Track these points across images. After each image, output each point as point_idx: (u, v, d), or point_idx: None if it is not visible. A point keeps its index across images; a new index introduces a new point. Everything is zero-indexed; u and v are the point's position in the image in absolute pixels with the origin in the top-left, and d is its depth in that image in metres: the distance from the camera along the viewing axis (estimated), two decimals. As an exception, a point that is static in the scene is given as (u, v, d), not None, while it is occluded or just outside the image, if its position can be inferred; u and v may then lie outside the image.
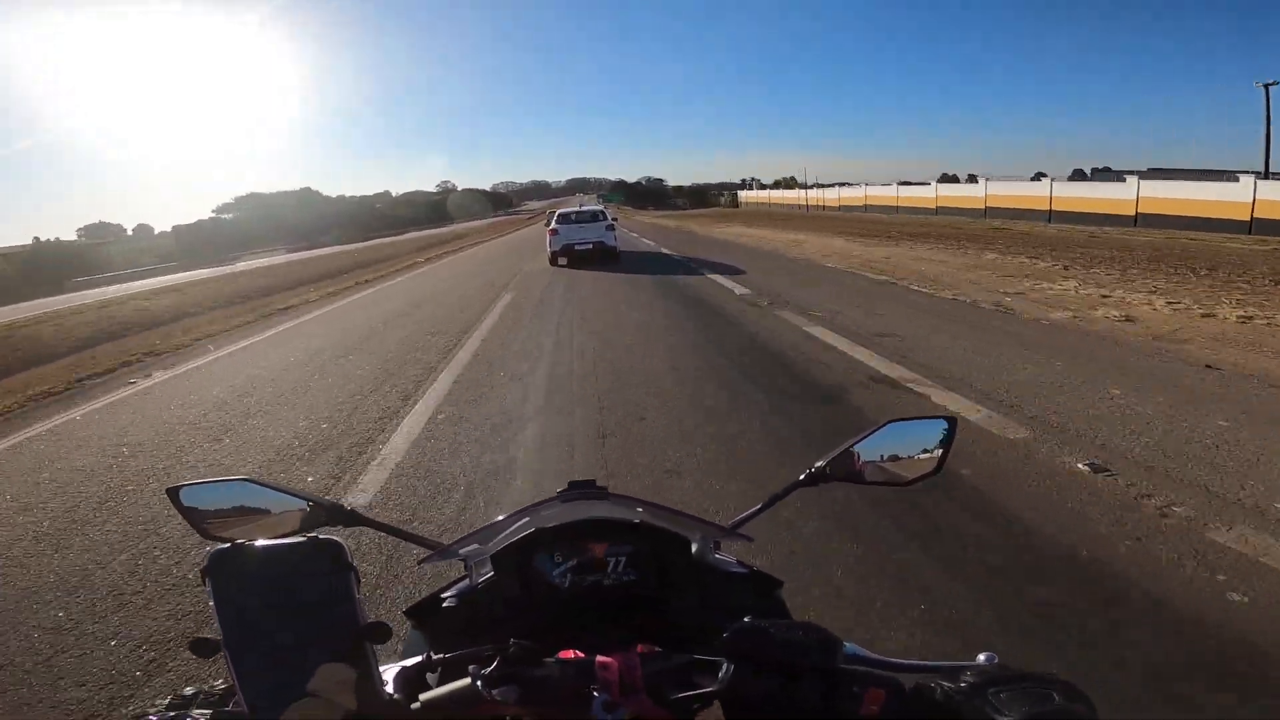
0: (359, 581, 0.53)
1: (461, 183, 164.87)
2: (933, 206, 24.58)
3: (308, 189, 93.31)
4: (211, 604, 0.50)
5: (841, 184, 33.72)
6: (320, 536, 0.54)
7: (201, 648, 0.50)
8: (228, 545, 0.54)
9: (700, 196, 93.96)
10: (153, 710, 0.55)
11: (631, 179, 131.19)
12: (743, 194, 54.74)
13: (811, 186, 40.52)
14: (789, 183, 56.47)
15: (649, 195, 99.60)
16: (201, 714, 0.54)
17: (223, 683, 0.56)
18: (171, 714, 0.54)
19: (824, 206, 32.55)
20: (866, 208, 28.51)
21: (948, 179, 36.30)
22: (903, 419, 0.86)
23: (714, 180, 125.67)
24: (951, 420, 0.86)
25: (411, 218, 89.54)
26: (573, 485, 0.89)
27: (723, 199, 72.03)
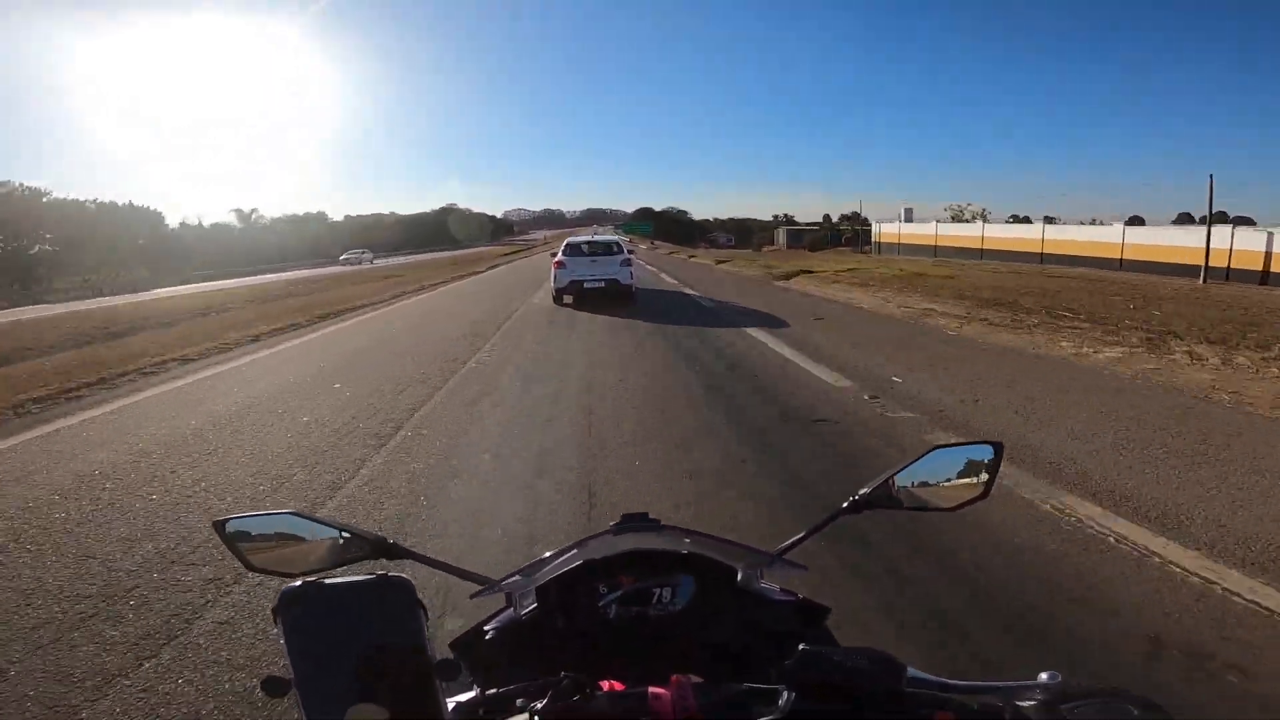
0: (427, 618, 0.52)
1: (476, 208, 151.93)
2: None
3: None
4: (282, 642, 0.50)
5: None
6: (390, 574, 0.52)
7: (273, 686, 0.49)
8: (299, 584, 0.52)
9: (744, 232, 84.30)
10: None
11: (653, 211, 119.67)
12: (885, 228, 34.18)
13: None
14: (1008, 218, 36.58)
15: (680, 228, 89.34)
16: None
17: None
18: None
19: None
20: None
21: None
22: (946, 445, 0.86)
23: (737, 216, 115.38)
24: (997, 445, 0.85)
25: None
26: (626, 518, 0.88)
27: (778, 236, 61.45)
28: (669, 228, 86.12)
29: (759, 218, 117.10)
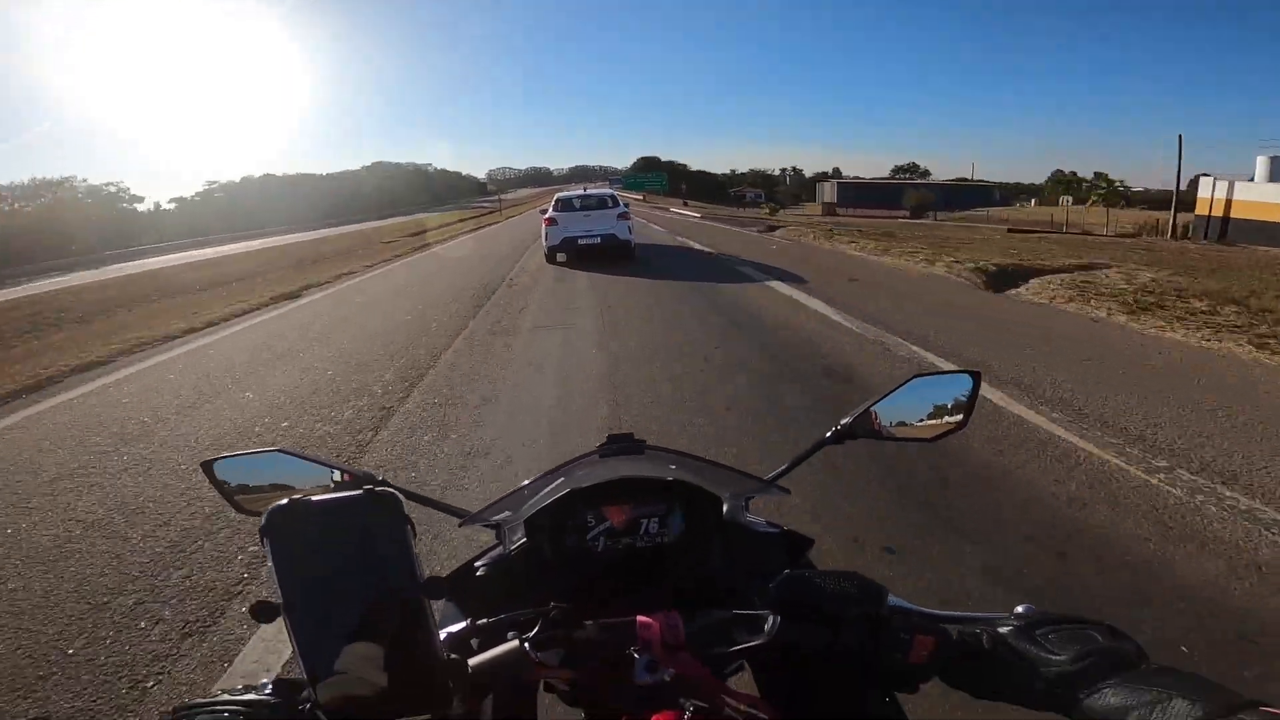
0: (415, 534, 0.50)
1: (463, 169, 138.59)
2: None
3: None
4: (270, 565, 0.48)
5: None
6: (377, 489, 0.50)
7: (262, 611, 0.48)
8: (285, 501, 0.50)
9: (765, 185, 75.31)
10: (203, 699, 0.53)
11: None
12: (1242, 191, 22.16)
13: None
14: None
15: (691, 183, 79.73)
16: (263, 686, 0.53)
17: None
18: (226, 696, 0.53)
19: None
20: None
21: None
22: (926, 374, 0.86)
23: (740, 170, 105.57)
24: (975, 374, 0.85)
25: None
26: (611, 439, 0.87)
27: (822, 192, 53.07)
28: (676, 183, 76.28)
29: (763, 170, 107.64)
